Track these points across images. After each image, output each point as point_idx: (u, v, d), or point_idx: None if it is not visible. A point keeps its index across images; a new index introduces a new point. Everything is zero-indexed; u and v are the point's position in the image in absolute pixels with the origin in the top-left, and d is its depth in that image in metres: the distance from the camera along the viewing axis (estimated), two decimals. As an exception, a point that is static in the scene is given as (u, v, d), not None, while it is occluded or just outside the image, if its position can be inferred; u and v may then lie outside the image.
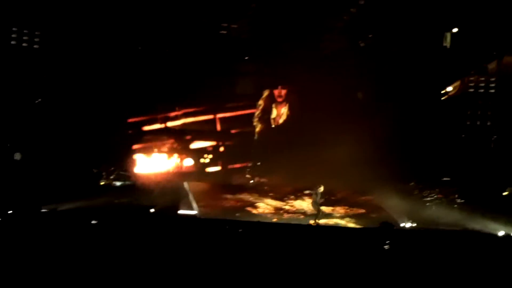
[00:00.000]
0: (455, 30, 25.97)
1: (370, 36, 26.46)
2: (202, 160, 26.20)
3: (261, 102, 27.16)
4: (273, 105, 27.06)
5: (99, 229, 17.79)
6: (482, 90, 25.97)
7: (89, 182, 21.37)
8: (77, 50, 24.07)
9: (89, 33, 24.06)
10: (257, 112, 27.13)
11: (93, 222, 17.91)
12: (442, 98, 26.95)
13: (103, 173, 22.19)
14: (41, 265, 14.10)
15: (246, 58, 26.81)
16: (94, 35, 24.16)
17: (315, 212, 23.25)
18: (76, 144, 22.65)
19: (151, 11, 24.59)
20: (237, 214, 22.48)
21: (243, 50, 26.62)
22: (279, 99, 27.03)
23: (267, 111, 27.01)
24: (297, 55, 26.17)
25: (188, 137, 26.41)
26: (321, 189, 23.40)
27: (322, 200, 23.51)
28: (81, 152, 22.78)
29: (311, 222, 22.75)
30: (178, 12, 25.01)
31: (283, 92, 26.94)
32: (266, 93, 27.16)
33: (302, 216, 23.64)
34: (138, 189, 22.28)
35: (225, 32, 26.29)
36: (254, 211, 23.33)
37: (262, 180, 25.96)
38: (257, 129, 27.04)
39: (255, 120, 27.12)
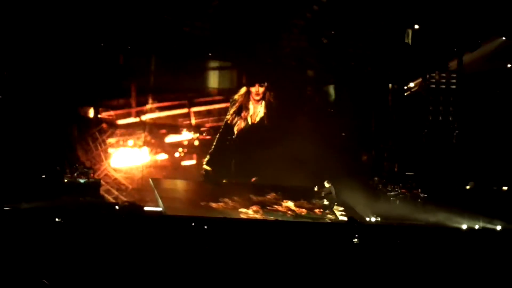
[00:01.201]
0: (416, 27, 26.30)
1: (333, 32, 26.62)
2: (176, 154, 26.05)
3: (237, 97, 26.95)
4: (250, 103, 26.91)
5: (63, 227, 17.50)
6: (443, 86, 26.32)
7: (52, 180, 20.97)
8: (33, 42, 23.48)
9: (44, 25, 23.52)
10: (233, 108, 26.91)
11: (57, 220, 17.57)
12: (405, 94, 27.30)
13: (67, 170, 21.82)
14: (4, 264, 13.81)
15: (210, 54, 26.75)
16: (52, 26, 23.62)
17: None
18: (38, 140, 22.24)
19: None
20: (203, 211, 22.30)
21: (214, 46, 26.49)
22: (257, 97, 26.89)
23: (243, 108, 26.85)
24: (271, 53, 26.34)
25: (163, 131, 26.28)
26: (327, 184, 23.98)
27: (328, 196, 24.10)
28: (44, 148, 22.40)
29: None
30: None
31: (261, 90, 26.79)
32: (243, 90, 26.97)
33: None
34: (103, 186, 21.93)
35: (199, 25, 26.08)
36: (217, 207, 23.15)
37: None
38: (234, 126, 26.82)
39: (230, 115, 26.87)
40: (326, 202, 24.24)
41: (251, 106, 26.97)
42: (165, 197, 22.59)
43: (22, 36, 22.90)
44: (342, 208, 24.16)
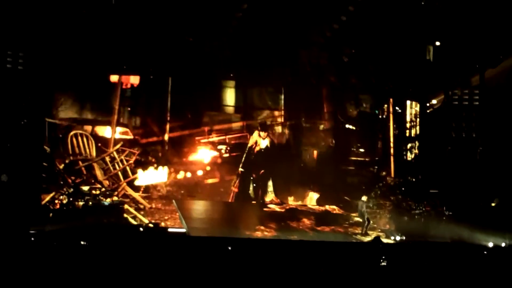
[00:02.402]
0: (437, 43, 26.26)
1: (353, 51, 26.69)
2: (199, 173, 26.31)
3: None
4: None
5: (88, 250, 17.55)
6: (466, 103, 26.15)
7: (76, 202, 21.06)
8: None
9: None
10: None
11: (82, 242, 17.65)
12: (427, 111, 27.19)
13: (92, 193, 21.90)
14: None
15: (231, 75, 27.16)
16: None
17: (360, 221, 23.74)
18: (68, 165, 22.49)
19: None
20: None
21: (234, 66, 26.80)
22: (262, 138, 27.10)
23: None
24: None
25: (183, 149, 26.41)
26: (364, 198, 23.83)
27: (368, 210, 23.86)
28: (70, 172, 22.59)
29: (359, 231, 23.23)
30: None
31: (263, 134, 26.75)
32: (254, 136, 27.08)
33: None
34: (126, 208, 21.95)
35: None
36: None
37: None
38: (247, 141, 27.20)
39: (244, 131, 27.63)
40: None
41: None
42: (189, 218, 22.58)
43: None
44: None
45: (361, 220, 23.86)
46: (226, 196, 26.00)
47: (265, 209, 25.10)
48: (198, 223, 22.55)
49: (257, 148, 26.34)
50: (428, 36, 26.13)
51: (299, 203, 26.42)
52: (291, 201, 26.41)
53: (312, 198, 26.77)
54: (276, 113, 28.70)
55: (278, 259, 18.21)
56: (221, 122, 28.58)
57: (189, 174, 26.02)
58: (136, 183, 24.09)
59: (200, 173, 26.28)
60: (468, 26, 24.85)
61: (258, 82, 28.35)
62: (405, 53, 26.48)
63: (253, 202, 25.79)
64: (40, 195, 21.05)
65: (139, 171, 24.18)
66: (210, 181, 26.47)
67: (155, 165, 24.96)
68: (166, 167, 25.17)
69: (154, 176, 24.81)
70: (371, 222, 23.67)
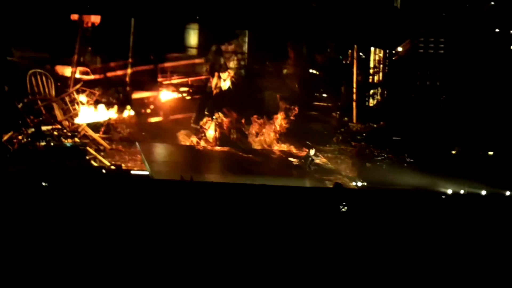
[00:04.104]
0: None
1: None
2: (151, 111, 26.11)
3: (209, 56, 27.28)
4: (221, 59, 26.99)
5: (50, 192, 17.30)
6: (431, 51, 26.22)
7: (38, 143, 20.68)
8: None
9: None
10: (206, 66, 27.39)
11: (43, 184, 17.37)
12: (393, 58, 27.21)
13: (54, 134, 21.53)
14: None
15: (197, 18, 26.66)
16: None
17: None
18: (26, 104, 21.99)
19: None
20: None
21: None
22: (227, 54, 26.84)
23: (215, 64, 26.92)
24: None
25: (130, 87, 26.23)
26: (312, 152, 23.89)
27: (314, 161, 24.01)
28: (29, 111, 22.14)
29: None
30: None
31: (230, 47, 26.63)
32: (213, 47, 27.18)
33: None
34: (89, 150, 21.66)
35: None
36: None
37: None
38: (208, 83, 27.08)
39: (205, 73, 27.22)
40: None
41: (222, 62, 27.24)
42: (152, 161, 22.40)
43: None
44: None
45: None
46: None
47: (229, 152, 25.03)
48: (162, 166, 22.42)
49: (216, 91, 26.30)
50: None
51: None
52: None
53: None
54: (239, 56, 28.45)
55: (240, 204, 18.22)
56: (184, 64, 28.26)
57: (132, 112, 25.85)
58: (92, 120, 23.84)
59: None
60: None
61: (224, 25, 27.91)
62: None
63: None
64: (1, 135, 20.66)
65: (83, 108, 23.88)
66: (154, 119, 26.43)
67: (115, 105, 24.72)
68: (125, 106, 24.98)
69: (110, 114, 24.61)
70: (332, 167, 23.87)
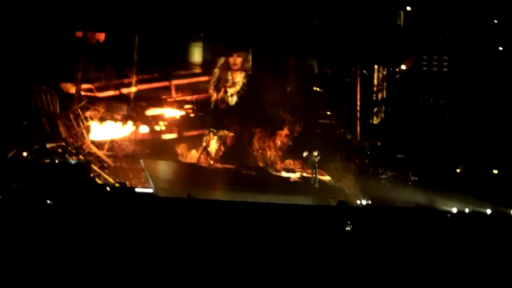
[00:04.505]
0: (408, 8, 26.22)
1: (324, 13, 26.47)
2: (157, 127, 25.97)
3: (216, 70, 27.01)
4: (229, 73, 26.81)
5: (55, 209, 17.28)
6: (435, 69, 26.27)
7: (42, 160, 20.69)
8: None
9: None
10: (213, 79, 27.05)
11: (48, 202, 17.35)
12: (396, 76, 27.25)
13: (58, 150, 21.54)
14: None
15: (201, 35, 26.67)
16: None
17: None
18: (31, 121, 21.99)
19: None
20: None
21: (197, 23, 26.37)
22: (234, 67, 26.81)
23: (222, 79, 26.75)
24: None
25: (143, 104, 26.20)
26: (315, 153, 24.10)
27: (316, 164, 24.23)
28: (34, 128, 22.14)
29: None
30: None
31: (238, 60, 26.67)
32: (221, 61, 26.98)
33: None
34: (93, 167, 21.66)
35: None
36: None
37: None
38: (213, 98, 26.89)
39: (211, 87, 27.00)
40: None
41: (229, 77, 27.04)
42: (156, 178, 22.38)
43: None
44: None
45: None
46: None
47: (232, 169, 25.00)
48: (166, 183, 22.39)
49: (223, 106, 26.26)
50: (399, 1, 26.07)
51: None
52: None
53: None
54: (244, 73, 28.40)
55: (244, 222, 18.18)
56: (188, 82, 28.24)
57: (146, 129, 25.83)
58: (97, 138, 23.79)
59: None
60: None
61: (227, 43, 27.98)
62: (375, 17, 26.38)
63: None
64: (5, 152, 20.67)
65: (98, 126, 23.86)
66: (168, 136, 26.38)
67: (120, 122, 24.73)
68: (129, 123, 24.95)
69: (114, 131, 24.58)
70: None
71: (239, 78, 27.11)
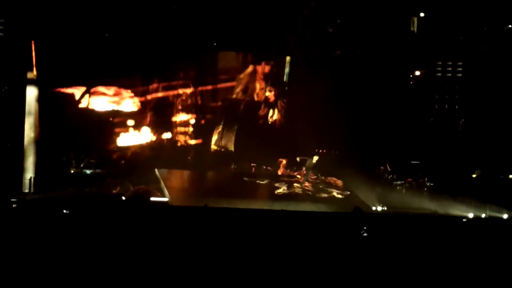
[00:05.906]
0: (422, 14, 26.20)
1: (338, 21, 26.50)
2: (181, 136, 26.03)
3: (242, 76, 26.87)
4: (256, 82, 26.81)
5: (70, 219, 17.48)
6: (449, 75, 26.19)
7: (58, 171, 20.92)
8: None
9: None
10: (239, 87, 26.89)
11: (64, 211, 17.56)
12: (410, 83, 27.18)
13: (73, 161, 21.73)
14: (15, 255, 13.80)
15: (215, 44, 26.69)
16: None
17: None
18: (45, 132, 22.19)
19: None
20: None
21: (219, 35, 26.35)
22: (263, 76, 26.76)
23: (249, 87, 26.72)
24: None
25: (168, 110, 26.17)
26: (315, 158, 24.23)
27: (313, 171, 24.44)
28: (50, 140, 22.33)
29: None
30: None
31: (267, 68, 26.69)
32: (249, 69, 26.86)
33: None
34: (108, 177, 21.85)
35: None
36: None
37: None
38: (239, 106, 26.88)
39: (235, 94, 26.89)
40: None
41: (257, 85, 26.98)
42: (171, 188, 22.53)
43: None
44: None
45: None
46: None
47: (246, 179, 25.00)
48: (181, 193, 22.53)
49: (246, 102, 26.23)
50: (412, 7, 26.06)
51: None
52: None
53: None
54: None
55: (261, 230, 18.25)
56: (214, 87, 27.97)
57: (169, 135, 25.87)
58: (118, 144, 23.97)
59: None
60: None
61: (241, 51, 27.93)
62: (389, 24, 26.39)
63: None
64: (22, 164, 20.91)
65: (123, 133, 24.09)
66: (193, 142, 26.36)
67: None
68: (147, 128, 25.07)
69: (135, 138, 24.75)
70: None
71: (267, 86, 26.74)
